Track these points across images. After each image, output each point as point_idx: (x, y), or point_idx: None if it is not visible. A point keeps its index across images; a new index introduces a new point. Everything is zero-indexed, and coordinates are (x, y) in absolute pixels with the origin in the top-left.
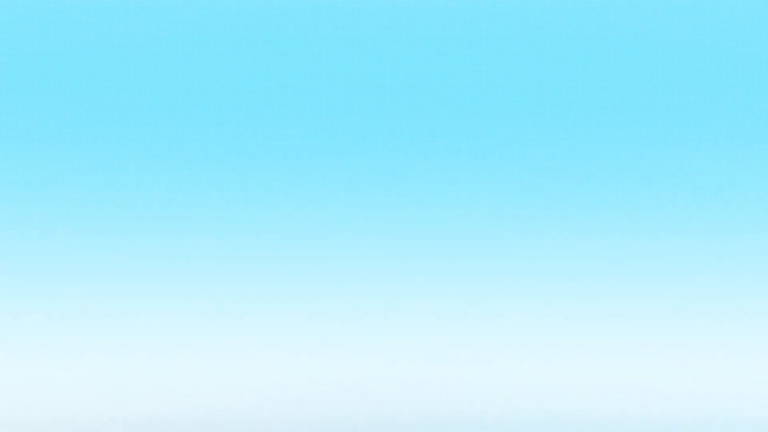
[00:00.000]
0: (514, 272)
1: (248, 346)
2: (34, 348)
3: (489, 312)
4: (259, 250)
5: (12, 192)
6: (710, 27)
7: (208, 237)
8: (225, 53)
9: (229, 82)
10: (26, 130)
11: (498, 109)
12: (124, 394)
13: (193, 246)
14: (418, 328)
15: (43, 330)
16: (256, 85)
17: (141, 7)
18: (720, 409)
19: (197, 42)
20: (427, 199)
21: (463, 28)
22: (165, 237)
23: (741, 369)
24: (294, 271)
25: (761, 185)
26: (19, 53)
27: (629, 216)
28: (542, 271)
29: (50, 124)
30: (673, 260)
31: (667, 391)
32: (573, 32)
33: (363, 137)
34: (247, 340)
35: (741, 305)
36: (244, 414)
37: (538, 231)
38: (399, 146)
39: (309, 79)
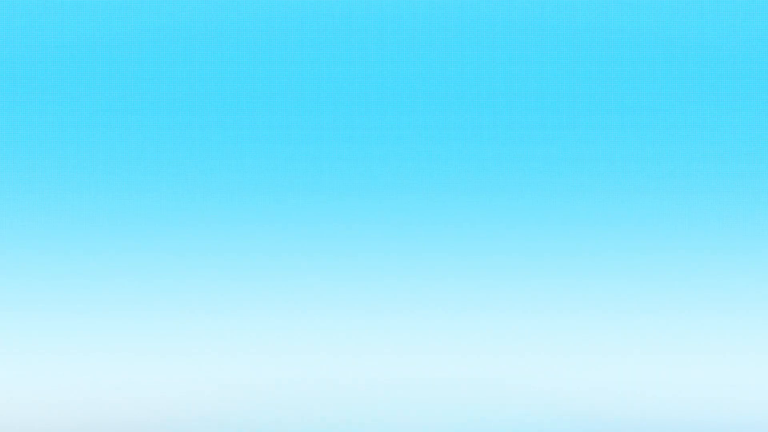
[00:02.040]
0: (522, 272)
1: (248, 347)
2: (33, 348)
3: (491, 312)
4: (261, 250)
5: (12, 192)
6: (711, 26)
7: (209, 236)
8: (225, 53)
9: (228, 82)
10: (26, 130)
11: (498, 108)
12: (123, 394)
13: (193, 245)
14: (419, 328)
15: (42, 330)
16: (256, 85)
17: (141, 6)
18: (721, 410)
19: (197, 42)
20: (429, 199)
21: (463, 28)
22: (165, 236)
23: (747, 369)
24: (295, 271)
25: (761, 185)
26: (18, 53)
27: (631, 216)
28: (547, 271)
29: (50, 124)
30: (676, 260)
31: (672, 391)
32: (573, 32)
33: (367, 135)
34: (247, 341)
35: (745, 305)
36: (245, 414)
37: (541, 230)
38: (401, 145)
39: (309, 79)
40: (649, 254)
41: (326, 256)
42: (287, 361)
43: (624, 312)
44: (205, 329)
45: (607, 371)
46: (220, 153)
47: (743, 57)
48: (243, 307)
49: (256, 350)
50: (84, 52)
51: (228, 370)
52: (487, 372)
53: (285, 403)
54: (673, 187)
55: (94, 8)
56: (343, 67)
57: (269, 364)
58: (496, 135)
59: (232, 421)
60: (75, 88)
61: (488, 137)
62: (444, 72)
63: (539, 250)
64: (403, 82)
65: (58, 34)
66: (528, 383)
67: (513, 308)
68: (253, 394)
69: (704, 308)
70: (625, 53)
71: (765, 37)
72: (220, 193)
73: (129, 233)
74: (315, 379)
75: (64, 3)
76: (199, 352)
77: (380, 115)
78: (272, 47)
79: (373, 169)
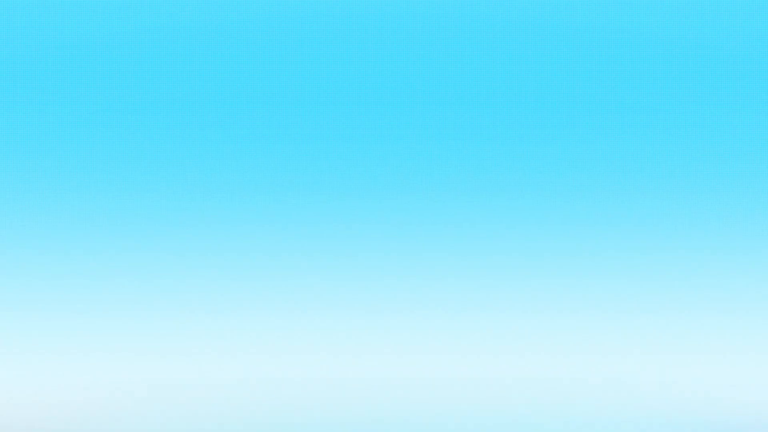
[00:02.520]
0: (522, 272)
1: (248, 347)
2: (33, 348)
3: (491, 312)
4: (261, 250)
5: (12, 192)
6: (711, 26)
7: (209, 236)
8: (225, 53)
9: (228, 82)
10: (26, 130)
11: (498, 108)
12: (123, 394)
13: (193, 245)
14: (419, 328)
15: (42, 330)
16: (256, 84)
17: (141, 6)
18: (721, 410)
19: (197, 42)
20: (429, 199)
21: (463, 28)
22: (165, 236)
23: (747, 369)
24: (295, 271)
25: (761, 185)
26: (18, 53)
27: (631, 216)
28: (547, 271)
29: (50, 124)
30: (676, 260)
31: (672, 391)
32: (573, 32)
33: (367, 135)
34: (247, 341)
35: (745, 305)
36: (245, 414)
37: (541, 230)
38: (401, 145)
39: (309, 79)
40: (649, 254)
41: (326, 256)
42: (287, 361)
43: (624, 312)
44: (205, 329)
45: (607, 371)
46: (220, 153)
47: (743, 57)
48: (243, 307)
49: (256, 350)
50: (84, 52)
51: (228, 370)
52: (487, 372)
53: (285, 403)
54: (673, 187)
55: (94, 8)
56: (343, 67)
57: (269, 364)
58: (496, 135)
59: (232, 421)
60: (75, 88)
61: (488, 137)
62: (444, 72)
63: (539, 250)
64: (403, 82)
65: (58, 34)
66: (528, 383)
67: (513, 308)
68: (253, 394)
69: (704, 308)
70: (625, 53)
71: (765, 37)
72: (220, 193)
73: (129, 233)
74: (315, 379)
75: (64, 3)
76: (199, 352)
77: (380, 115)
78: (272, 47)
79: (373, 169)
